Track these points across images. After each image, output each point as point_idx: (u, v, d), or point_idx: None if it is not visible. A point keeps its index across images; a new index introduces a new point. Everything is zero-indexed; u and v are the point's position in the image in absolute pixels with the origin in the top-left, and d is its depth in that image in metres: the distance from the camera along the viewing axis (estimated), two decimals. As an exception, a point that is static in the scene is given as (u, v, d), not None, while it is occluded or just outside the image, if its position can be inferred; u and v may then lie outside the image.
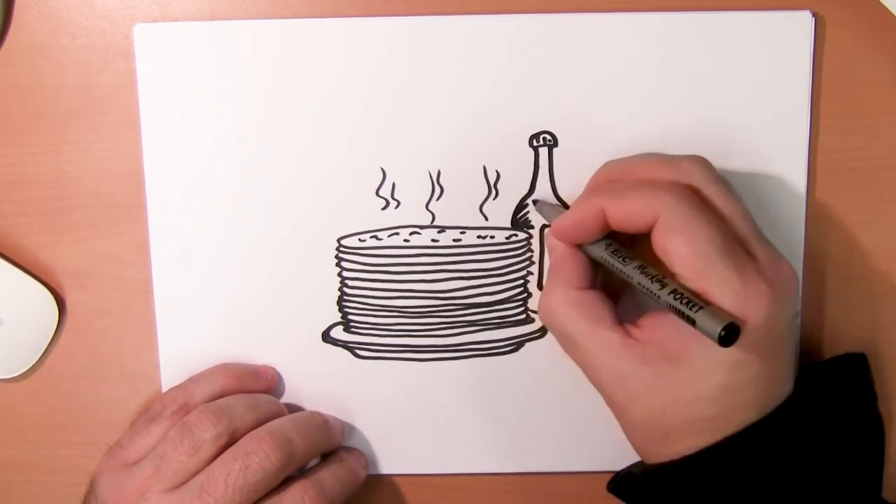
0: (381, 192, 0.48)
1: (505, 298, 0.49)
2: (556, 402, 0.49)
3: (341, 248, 0.49)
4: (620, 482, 0.45)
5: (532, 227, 0.49)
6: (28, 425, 0.51)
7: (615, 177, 0.45)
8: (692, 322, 0.38)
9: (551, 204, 0.48)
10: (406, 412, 0.50)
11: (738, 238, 0.41)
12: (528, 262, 0.49)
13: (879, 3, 0.47)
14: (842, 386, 0.44)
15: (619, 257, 0.42)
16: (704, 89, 0.47)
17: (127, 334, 0.50)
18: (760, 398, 0.40)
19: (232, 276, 0.49)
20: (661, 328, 0.41)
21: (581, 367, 0.43)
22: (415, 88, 0.47)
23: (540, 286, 0.49)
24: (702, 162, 0.43)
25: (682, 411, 0.40)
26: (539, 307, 0.45)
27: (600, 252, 0.43)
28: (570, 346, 0.43)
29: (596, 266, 0.45)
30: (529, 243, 0.49)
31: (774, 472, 0.40)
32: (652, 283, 0.40)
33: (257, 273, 0.49)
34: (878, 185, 0.49)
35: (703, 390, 0.40)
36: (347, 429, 0.50)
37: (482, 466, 0.50)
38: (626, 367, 0.41)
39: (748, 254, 0.41)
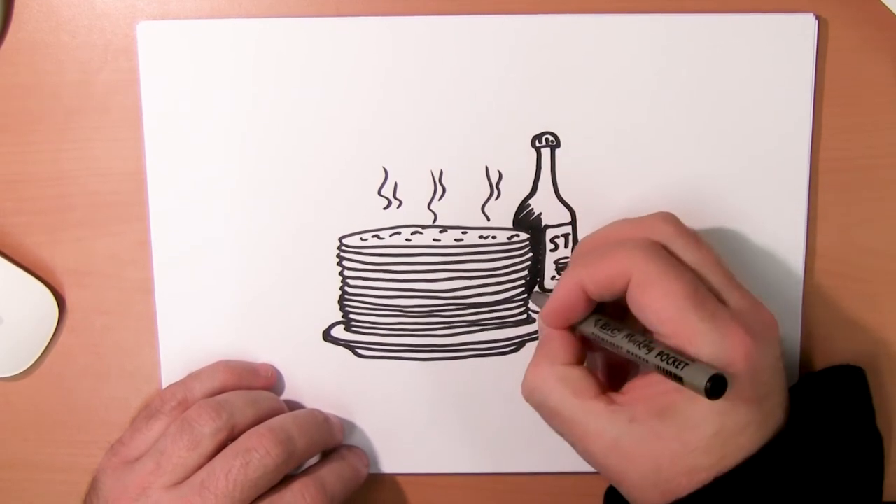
0: (383, 192, 0.48)
1: (506, 298, 0.49)
2: (557, 402, 0.49)
3: (343, 247, 0.49)
4: None
5: (533, 228, 0.49)
6: (28, 424, 0.51)
7: (589, 249, 0.44)
8: (680, 380, 0.38)
9: (546, 294, 0.48)
10: (407, 411, 0.50)
11: (712, 288, 0.41)
12: (529, 263, 0.49)
13: (881, 3, 0.47)
14: (839, 402, 0.45)
15: (608, 331, 0.42)
16: (707, 91, 0.47)
17: (127, 333, 0.50)
18: (755, 443, 0.40)
19: (233, 274, 0.49)
20: (647, 388, 0.41)
21: (571, 442, 0.43)
22: (417, 88, 0.47)
23: (541, 287, 0.49)
24: (668, 217, 0.43)
25: (678, 465, 0.40)
26: (523, 383, 0.44)
27: (591, 329, 0.43)
28: (555, 419, 0.43)
29: (592, 345, 0.45)
30: (531, 244, 0.49)
31: (775, 500, 0.40)
32: (640, 348, 0.40)
33: (259, 272, 0.49)
34: (880, 185, 0.49)
35: (696, 441, 0.40)
36: (348, 428, 0.50)
37: (483, 466, 0.50)
38: (615, 430, 0.41)
39: (723, 302, 0.41)
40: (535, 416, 0.49)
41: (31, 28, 0.48)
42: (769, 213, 0.48)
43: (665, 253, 0.41)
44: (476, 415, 0.50)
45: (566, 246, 0.49)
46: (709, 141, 0.48)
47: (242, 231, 0.49)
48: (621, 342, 0.41)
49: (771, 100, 0.47)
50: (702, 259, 0.42)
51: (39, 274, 0.49)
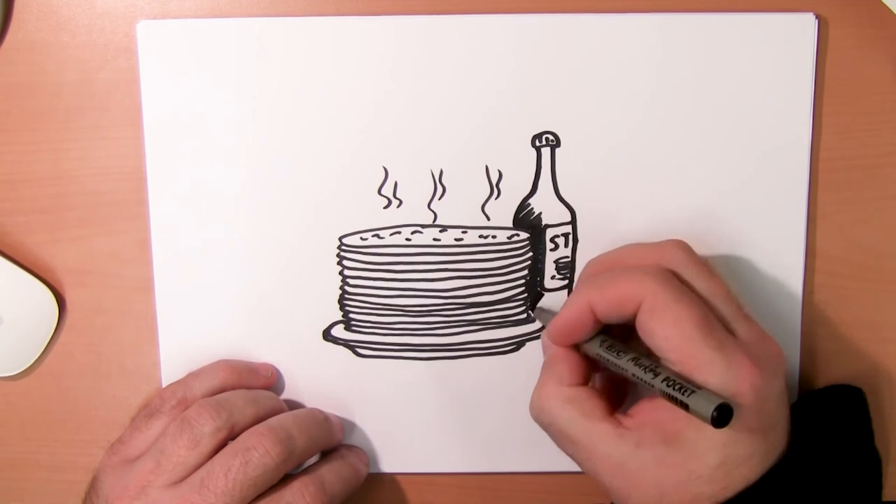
0: (383, 191, 0.48)
1: (506, 298, 0.49)
2: (556, 402, 0.49)
3: (343, 247, 0.49)
4: None
5: (533, 227, 0.49)
6: (28, 423, 0.51)
7: (600, 271, 0.45)
8: (686, 407, 0.39)
9: (548, 310, 0.49)
10: (407, 411, 0.50)
11: (721, 318, 0.42)
12: (529, 262, 0.49)
13: (882, 3, 0.47)
14: (839, 425, 0.45)
15: (613, 352, 0.42)
16: (707, 90, 0.47)
17: (127, 332, 0.50)
18: (757, 474, 0.41)
19: (233, 273, 0.49)
20: (655, 413, 0.41)
21: (578, 461, 0.43)
22: (417, 88, 0.47)
23: (541, 286, 0.49)
24: (681, 245, 0.44)
25: (682, 492, 0.40)
26: (531, 404, 0.44)
27: (595, 349, 0.43)
28: (564, 440, 0.43)
29: (595, 363, 0.45)
30: (531, 243, 0.49)
31: None
32: (645, 373, 0.41)
33: (259, 271, 0.49)
34: (880, 185, 0.49)
35: (701, 470, 0.40)
36: (348, 427, 0.50)
37: (482, 466, 0.50)
38: (622, 454, 0.41)
39: (732, 333, 0.41)
40: (535, 415, 0.49)
41: (31, 28, 0.48)
42: (769, 213, 0.48)
43: (677, 281, 0.42)
44: (476, 414, 0.50)
45: (566, 245, 0.49)
46: (708, 140, 0.48)
47: (242, 230, 0.49)
48: (627, 365, 0.42)
49: (771, 100, 0.47)
50: (712, 288, 0.42)
51: (39, 273, 0.49)
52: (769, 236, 0.48)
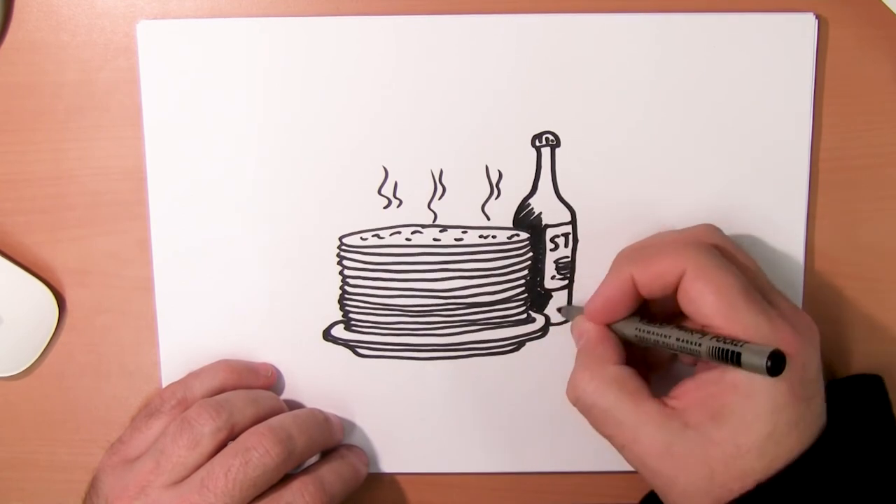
0: (383, 191, 0.48)
1: (506, 298, 0.49)
2: (556, 402, 0.49)
3: (343, 247, 0.49)
4: None
5: (533, 227, 0.49)
6: (28, 423, 0.51)
7: (635, 253, 0.45)
8: (737, 360, 0.39)
9: (574, 307, 0.49)
10: (406, 411, 0.50)
11: (760, 289, 0.42)
12: (529, 262, 0.49)
13: (882, 3, 0.47)
14: (864, 409, 0.46)
15: (654, 325, 0.43)
16: (707, 90, 0.47)
17: (127, 332, 0.50)
18: (803, 444, 0.41)
19: (233, 273, 0.49)
20: (699, 391, 0.42)
21: (618, 445, 0.42)
22: (417, 87, 0.47)
23: (540, 286, 0.49)
24: (713, 227, 0.45)
25: (732, 469, 0.40)
26: (568, 388, 0.44)
27: (633, 326, 0.44)
28: (608, 422, 0.43)
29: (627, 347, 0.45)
30: (531, 243, 0.49)
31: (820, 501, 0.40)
32: (692, 335, 0.41)
33: (259, 271, 0.49)
34: (880, 184, 0.49)
35: (749, 442, 0.40)
36: (348, 427, 0.50)
37: (482, 465, 0.50)
38: (668, 435, 0.41)
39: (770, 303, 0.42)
40: (535, 415, 0.50)
41: (31, 27, 0.48)
42: (769, 213, 0.48)
43: (718, 252, 0.43)
44: (475, 414, 0.50)
45: (566, 245, 0.49)
46: (709, 141, 0.48)
47: (242, 230, 0.49)
48: (671, 332, 0.42)
49: (771, 100, 0.47)
50: (749, 264, 0.44)
51: (39, 273, 0.49)
52: (769, 236, 0.48)
